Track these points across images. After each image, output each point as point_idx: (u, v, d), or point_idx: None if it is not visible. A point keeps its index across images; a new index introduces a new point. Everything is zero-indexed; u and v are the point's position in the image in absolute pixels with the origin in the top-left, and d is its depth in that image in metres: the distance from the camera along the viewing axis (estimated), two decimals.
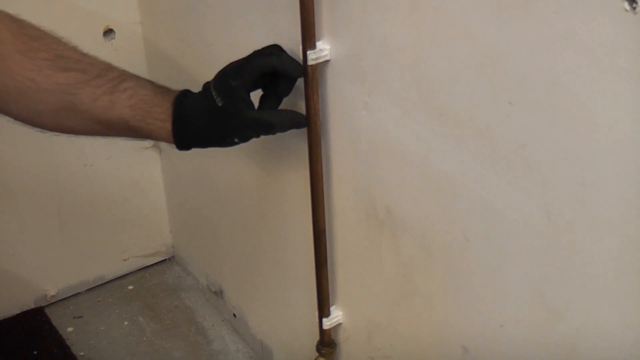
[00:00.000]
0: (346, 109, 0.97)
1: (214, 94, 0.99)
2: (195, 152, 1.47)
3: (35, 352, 1.49)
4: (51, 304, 1.61)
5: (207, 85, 1.02)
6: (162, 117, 1.00)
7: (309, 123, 0.99)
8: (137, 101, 0.99)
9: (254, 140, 1.24)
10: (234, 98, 0.98)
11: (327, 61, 0.96)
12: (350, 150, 0.99)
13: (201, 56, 1.29)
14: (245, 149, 1.28)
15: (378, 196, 0.98)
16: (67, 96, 0.96)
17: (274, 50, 1.00)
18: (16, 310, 1.57)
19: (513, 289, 0.83)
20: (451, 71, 0.80)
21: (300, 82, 0.98)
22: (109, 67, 1.01)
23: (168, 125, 1.00)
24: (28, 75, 0.95)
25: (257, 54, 1.00)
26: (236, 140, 1.00)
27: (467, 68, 0.78)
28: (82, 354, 1.50)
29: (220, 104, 0.98)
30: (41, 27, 0.98)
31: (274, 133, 0.99)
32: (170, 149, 1.57)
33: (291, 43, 1.00)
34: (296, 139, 1.08)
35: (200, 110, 1.00)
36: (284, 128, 0.99)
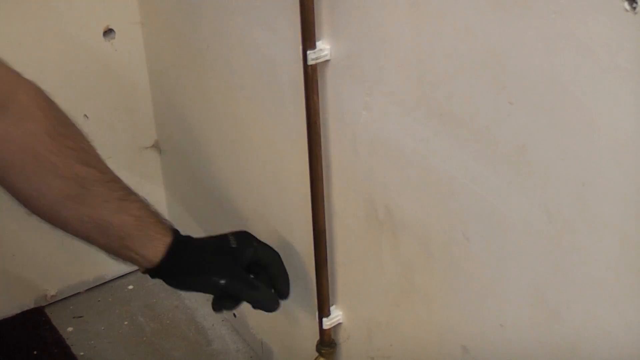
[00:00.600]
0: (346, 109, 0.97)
1: (230, 237, 1.07)
2: (195, 150, 1.47)
3: (35, 352, 1.49)
4: (51, 304, 1.60)
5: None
6: (162, 231, 1.03)
7: (309, 123, 0.99)
8: (143, 214, 1.01)
9: (253, 138, 1.24)
10: (246, 250, 1.06)
11: (327, 61, 0.96)
12: (350, 150, 0.99)
13: (201, 56, 1.29)
14: (245, 147, 1.28)
15: (378, 196, 0.98)
16: (80, 189, 0.97)
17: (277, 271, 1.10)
18: (16, 310, 1.57)
19: (513, 289, 0.83)
20: (451, 71, 0.80)
21: (300, 81, 0.98)
22: (119, 178, 1.03)
23: (167, 239, 1.02)
24: (50, 158, 0.95)
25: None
26: (222, 283, 1.03)
27: (467, 68, 0.78)
28: (82, 354, 1.50)
29: (233, 246, 1.06)
30: (68, 114, 1.00)
31: (250, 301, 1.06)
32: (170, 149, 1.57)
33: (291, 43, 1.00)
34: (296, 138, 1.08)
35: (207, 241, 1.07)
36: (256, 304, 1.07)
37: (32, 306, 1.59)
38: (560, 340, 0.79)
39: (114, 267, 1.66)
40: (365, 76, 0.92)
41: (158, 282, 1.65)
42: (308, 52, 0.94)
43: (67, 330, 1.55)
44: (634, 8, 0.61)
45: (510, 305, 0.84)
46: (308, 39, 0.94)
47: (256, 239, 1.09)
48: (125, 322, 1.58)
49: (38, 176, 0.96)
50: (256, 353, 1.49)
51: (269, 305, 1.08)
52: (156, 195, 1.64)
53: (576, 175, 0.71)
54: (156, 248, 1.02)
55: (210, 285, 1.05)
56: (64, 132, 0.98)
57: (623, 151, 0.66)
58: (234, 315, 1.52)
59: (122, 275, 1.68)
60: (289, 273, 1.26)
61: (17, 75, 0.96)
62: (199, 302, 1.61)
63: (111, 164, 1.54)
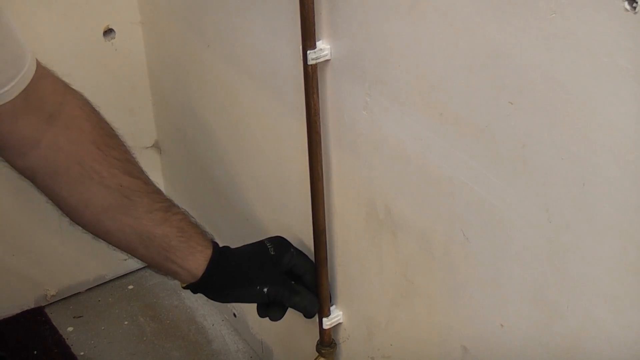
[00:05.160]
0: (346, 109, 0.97)
1: (268, 244, 1.08)
2: (195, 150, 1.47)
3: (35, 352, 1.49)
4: (51, 303, 1.61)
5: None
6: (204, 244, 1.03)
7: (309, 123, 0.99)
8: (185, 225, 1.03)
9: (253, 138, 1.24)
10: (284, 256, 1.07)
11: (327, 61, 0.96)
12: (350, 150, 0.99)
13: (201, 56, 1.29)
14: (245, 147, 1.28)
15: (378, 196, 0.98)
16: (124, 199, 0.98)
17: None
18: (16, 310, 1.57)
19: (513, 288, 0.83)
20: (451, 71, 0.80)
21: (300, 81, 0.98)
22: (161, 190, 1.04)
23: (209, 252, 1.03)
24: (96, 168, 0.97)
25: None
26: (265, 291, 1.04)
27: (467, 68, 0.78)
28: (82, 353, 1.50)
29: (272, 253, 1.06)
30: (113, 125, 1.01)
31: (292, 306, 1.07)
32: (170, 149, 1.57)
33: (291, 43, 1.00)
34: (296, 138, 1.08)
35: (246, 251, 1.07)
36: (299, 308, 1.08)
37: (32, 306, 1.59)
38: (560, 340, 0.79)
39: (114, 267, 1.66)
40: (365, 76, 0.92)
41: (158, 282, 1.66)
42: (308, 51, 0.94)
43: (67, 330, 1.55)
44: (634, 8, 0.61)
45: (510, 305, 0.84)
46: (308, 39, 0.94)
47: (292, 245, 1.10)
48: (125, 322, 1.58)
49: (84, 185, 0.96)
50: (256, 353, 1.49)
51: (311, 308, 1.09)
52: None
53: (576, 175, 0.71)
54: (198, 261, 1.02)
55: (254, 295, 1.05)
56: (109, 142, 0.99)
57: (623, 151, 0.66)
58: (234, 315, 1.52)
59: (122, 275, 1.68)
60: None
61: (66, 85, 0.98)
62: (199, 302, 1.61)
63: None
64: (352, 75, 0.94)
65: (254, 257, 1.07)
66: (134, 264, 1.68)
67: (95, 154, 0.97)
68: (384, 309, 1.05)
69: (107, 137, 0.99)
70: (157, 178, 1.62)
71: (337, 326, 1.16)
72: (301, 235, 1.17)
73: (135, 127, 1.55)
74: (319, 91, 0.98)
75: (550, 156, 0.72)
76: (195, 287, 1.05)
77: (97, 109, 1.00)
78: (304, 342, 1.25)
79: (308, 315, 1.10)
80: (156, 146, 1.59)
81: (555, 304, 0.78)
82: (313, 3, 0.92)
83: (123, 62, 1.49)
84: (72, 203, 0.98)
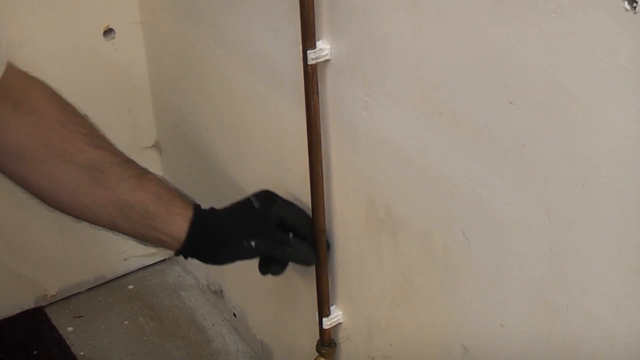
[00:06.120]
0: (346, 109, 0.97)
1: (252, 198, 1.05)
2: (195, 150, 1.47)
3: (35, 352, 1.49)
4: (51, 303, 1.60)
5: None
6: (183, 206, 1.01)
7: (309, 123, 0.99)
8: (161, 190, 1.00)
9: (253, 138, 1.24)
10: (271, 208, 1.03)
11: (327, 61, 0.96)
12: (350, 150, 0.99)
13: (201, 56, 1.29)
14: (245, 147, 1.28)
15: (378, 196, 0.98)
16: (95, 172, 0.97)
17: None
18: (16, 310, 1.57)
19: (513, 288, 0.83)
20: (451, 71, 0.80)
21: (300, 81, 0.98)
22: (133, 160, 1.02)
23: (189, 213, 1.00)
24: (63, 146, 0.96)
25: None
26: (253, 245, 1.01)
27: (467, 68, 0.78)
28: (82, 353, 1.50)
29: (257, 206, 1.03)
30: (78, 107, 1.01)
31: (286, 258, 1.04)
32: (170, 149, 1.57)
33: (291, 42, 1.00)
34: (296, 138, 1.08)
35: (229, 208, 1.04)
36: (294, 260, 1.05)
37: (32, 306, 1.59)
38: (560, 340, 0.79)
39: (114, 267, 1.66)
40: (365, 76, 0.92)
41: (158, 282, 1.66)
42: (308, 51, 0.94)
43: (67, 330, 1.55)
44: (634, 8, 0.61)
45: (510, 305, 0.84)
46: (308, 39, 0.94)
47: (279, 196, 1.07)
48: (125, 322, 1.58)
49: (52, 165, 0.96)
50: (256, 353, 1.49)
51: (306, 258, 1.05)
52: None
53: (576, 175, 0.71)
54: (179, 224, 1.00)
55: (243, 251, 1.02)
56: (75, 120, 0.98)
57: (623, 151, 0.66)
58: (234, 315, 1.52)
59: (122, 275, 1.68)
60: (289, 273, 1.26)
61: (29, 75, 0.98)
62: (199, 302, 1.62)
63: None
64: (352, 75, 0.94)
65: (238, 213, 1.05)
66: (134, 263, 1.68)
67: (62, 133, 0.96)
68: (384, 309, 1.05)
69: (71, 115, 0.99)
70: None
71: (337, 326, 1.16)
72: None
73: (135, 127, 1.55)
74: (319, 91, 0.98)
75: (550, 156, 0.72)
76: (183, 251, 1.02)
77: (59, 92, 0.99)
78: (304, 342, 1.25)
79: (306, 263, 1.06)
80: (156, 146, 1.59)
81: (555, 304, 0.78)
82: (313, 3, 0.92)
83: (123, 62, 1.48)
84: (44, 185, 0.98)
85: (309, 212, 1.06)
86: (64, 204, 1.00)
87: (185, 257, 1.04)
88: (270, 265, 1.06)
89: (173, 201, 1.01)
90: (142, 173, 1.01)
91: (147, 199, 0.99)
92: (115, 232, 1.02)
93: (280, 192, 1.21)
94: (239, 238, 1.02)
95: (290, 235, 1.06)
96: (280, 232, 1.04)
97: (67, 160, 0.96)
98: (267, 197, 1.06)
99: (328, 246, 1.07)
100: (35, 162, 0.96)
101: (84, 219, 1.02)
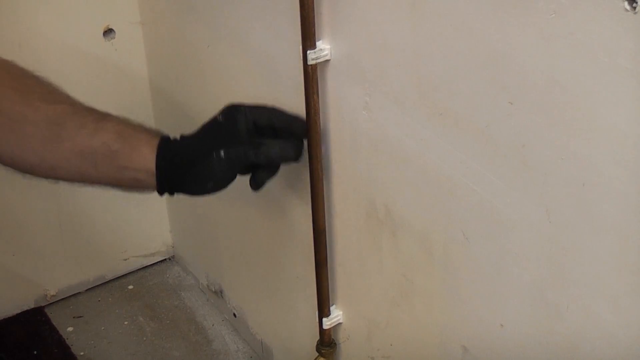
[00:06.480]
0: (346, 109, 0.97)
1: (217, 115, 1.00)
2: None
3: (35, 352, 1.49)
4: (51, 303, 1.61)
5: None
6: (147, 137, 0.98)
7: (309, 123, 0.99)
8: (123, 128, 0.97)
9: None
10: (236, 117, 0.98)
11: (327, 61, 0.96)
12: (350, 150, 0.99)
13: (201, 56, 1.29)
14: None
15: (378, 196, 0.98)
16: (54, 127, 0.95)
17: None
18: (16, 310, 1.57)
19: (513, 288, 0.83)
20: (451, 71, 0.80)
21: (300, 81, 0.98)
22: (94, 108, 0.99)
23: (154, 142, 0.97)
24: (17, 109, 0.95)
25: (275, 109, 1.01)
26: (222, 154, 0.96)
27: (467, 68, 0.78)
28: (82, 354, 1.50)
29: (220, 120, 0.99)
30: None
31: (262, 159, 0.97)
32: None
33: (291, 43, 1.00)
34: None
35: (196, 131, 1.00)
36: (274, 159, 0.98)
37: (32, 306, 1.59)
38: (560, 340, 0.79)
39: (114, 267, 1.66)
40: (365, 76, 0.92)
41: (158, 282, 1.66)
42: (308, 52, 0.94)
43: (67, 330, 1.55)
44: (634, 8, 0.61)
45: (510, 305, 0.84)
46: (308, 39, 0.94)
47: (244, 104, 1.00)
48: (125, 322, 1.58)
49: (12, 131, 0.95)
50: (256, 353, 1.49)
51: (286, 153, 0.98)
52: (156, 195, 1.64)
53: (576, 175, 0.71)
54: (145, 155, 0.96)
55: (216, 165, 0.97)
56: (29, 82, 0.97)
57: (623, 151, 0.66)
58: (234, 315, 1.52)
59: (122, 275, 1.68)
60: (288, 273, 1.26)
61: None
62: (199, 302, 1.62)
63: None
64: (352, 75, 0.94)
65: (205, 131, 1.00)
66: (134, 263, 1.68)
67: (15, 97, 0.95)
68: (384, 309, 1.05)
69: (26, 78, 0.98)
70: None
71: (337, 326, 1.16)
72: (301, 235, 1.17)
73: None
74: (319, 91, 0.98)
75: (550, 156, 0.72)
76: (160, 185, 0.98)
77: (13, 62, 0.99)
78: (304, 342, 1.25)
79: (290, 159, 0.99)
80: None
81: (555, 304, 0.78)
82: (313, 3, 0.92)
83: (123, 62, 1.48)
84: (9, 153, 0.97)
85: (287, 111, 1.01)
86: (33, 167, 0.98)
87: (171, 194, 1.00)
88: (257, 173, 1.01)
89: (136, 135, 0.97)
90: (102, 116, 0.98)
91: (109, 138, 0.96)
92: (92, 185, 1.00)
93: (280, 192, 1.21)
94: (208, 153, 0.97)
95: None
96: (253, 137, 0.99)
97: (25, 123, 0.95)
98: (231, 110, 1.00)
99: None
100: None
101: (57, 178, 0.99)
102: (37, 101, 0.96)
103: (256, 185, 1.02)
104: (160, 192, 1.00)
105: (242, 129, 0.98)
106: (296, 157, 1.00)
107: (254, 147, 0.97)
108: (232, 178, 0.99)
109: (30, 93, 0.96)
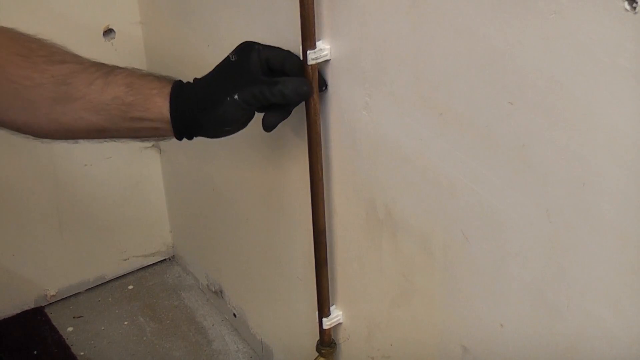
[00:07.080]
0: (346, 109, 0.97)
1: (230, 55, 0.97)
2: (195, 150, 1.47)
3: (35, 352, 1.49)
4: (51, 304, 1.61)
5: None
6: (159, 85, 0.97)
7: (309, 123, 0.99)
8: (133, 80, 0.97)
9: (254, 138, 1.23)
10: (250, 56, 0.96)
11: (327, 61, 0.96)
12: (350, 150, 0.99)
13: (201, 56, 1.29)
14: (245, 147, 1.28)
15: (378, 196, 0.98)
16: (62, 87, 0.95)
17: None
18: (16, 310, 1.57)
19: (513, 288, 0.83)
20: (451, 71, 0.80)
21: None
22: (101, 63, 0.99)
23: (167, 89, 0.96)
24: (24, 74, 0.94)
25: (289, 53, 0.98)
26: (236, 97, 0.94)
27: (467, 68, 0.78)
28: (82, 354, 1.50)
29: (233, 59, 0.97)
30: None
31: (278, 97, 0.95)
32: (170, 149, 1.57)
33: (291, 42, 1.00)
34: (296, 139, 1.08)
35: (209, 73, 0.98)
36: (287, 97, 0.95)
37: (32, 306, 1.59)
38: (560, 340, 0.79)
39: (114, 267, 1.66)
40: (365, 76, 0.92)
41: (158, 282, 1.66)
42: (308, 52, 0.94)
43: (67, 330, 1.55)
44: (634, 8, 0.61)
45: (510, 305, 0.84)
46: (308, 39, 0.94)
47: (258, 43, 0.99)
48: (125, 322, 1.58)
49: (21, 96, 0.95)
50: (256, 353, 1.49)
51: (300, 89, 0.95)
52: (156, 195, 1.64)
53: (576, 175, 0.71)
54: (158, 103, 0.96)
55: (231, 109, 0.95)
56: (33, 46, 0.96)
57: (623, 151, 0.66)
58: (234, 315, 1.52)
59: (122, 275, 1.68)
60: (289, 273, 1.26)
61: None
62: (199, 302, 1.62)
63: (111, 164, 1.55)
64: (352, 75, 0.94)
65: (218, 73, 0.98)
66: (134, 263, 1.68)
67: (20, 62, 0.95)
68: (384, 309, 1.05)
69: (29, 42, 0.97)
70: (157, 178, 1.62)
71: (337, 326, 1.16)
72: (301, 235, 1.17)
73: None
74: (319, 91, 0.98)
75: (550, 156, 0.72)
76: (177, 130, 0.97)
77: (13, 28, 0.98)
78: (304, 342, 1.25)
79: (302, 96, 0.96)
80: (156, 146, 1.59)
81: (555, 304, 0.78)
82: (313, 3, 0.92)
83: (123, 62, 1.48)
84: (21, 119, 0.96)
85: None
86: (51, 132, 0.98)
87: (189, 138, 0.99)
88: (269, 114, 0.99)
89: (148, 84, 0.97)
90: (110, 70, 0.97)
91: (120, 92, 0.95)
92: (111, 140, 0.99)
93: (280, 192, 1.21)
94: (220, 95, 0.95)
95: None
96: (265, 76, 0.97)
97: (33, 86, 0.94)
98: (245, 48, 0.98)
99: (326, 86, 0.99)
100: (7, 99, 0.95)
101: (74, 138, 0.99)
102: (42, 64, 0.95)
103: (268, 127, 1.00)
104: (179, 138, 0.99)
105: (256, 67, 0.96)
106: (310, 94, 0.97)
107: (269, 85, 0.95)
108: (250, 118, 0.98)
109: (34, 56, 0.95)
